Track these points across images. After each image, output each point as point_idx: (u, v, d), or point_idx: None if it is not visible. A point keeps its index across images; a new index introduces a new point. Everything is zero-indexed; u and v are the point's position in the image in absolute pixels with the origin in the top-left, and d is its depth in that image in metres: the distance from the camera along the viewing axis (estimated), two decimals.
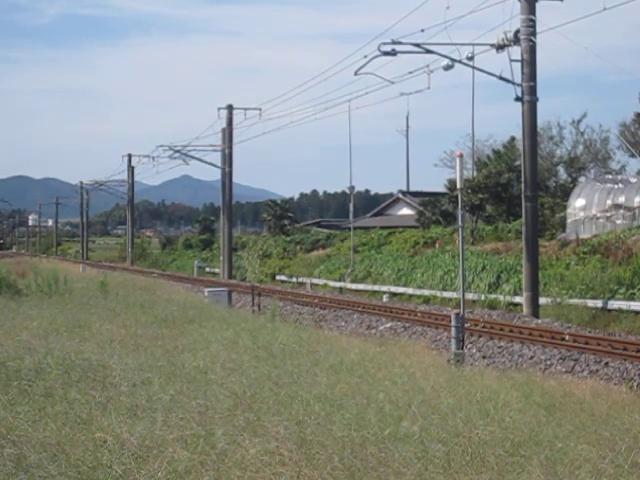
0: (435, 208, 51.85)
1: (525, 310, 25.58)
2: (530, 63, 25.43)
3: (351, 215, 46.95)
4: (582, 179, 52.01)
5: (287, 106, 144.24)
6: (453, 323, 17.57)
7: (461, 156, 18.47)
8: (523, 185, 26.27)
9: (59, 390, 9.11)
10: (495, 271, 32.23)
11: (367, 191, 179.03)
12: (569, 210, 38.16)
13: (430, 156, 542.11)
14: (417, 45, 26.52)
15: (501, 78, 25.91)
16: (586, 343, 19.22)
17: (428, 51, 26.76)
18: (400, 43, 26.27)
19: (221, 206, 53.85)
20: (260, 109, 48.24)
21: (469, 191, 43.22)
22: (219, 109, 51.49)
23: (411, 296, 35.59)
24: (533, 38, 25.22)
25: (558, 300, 26.84)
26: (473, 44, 26.56)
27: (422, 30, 26.47)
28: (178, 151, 57.29)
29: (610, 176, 42.23)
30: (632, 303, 25.21)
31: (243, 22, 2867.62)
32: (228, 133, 52.06)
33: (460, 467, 6.88)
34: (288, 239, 59.33)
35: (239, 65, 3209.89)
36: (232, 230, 57.42)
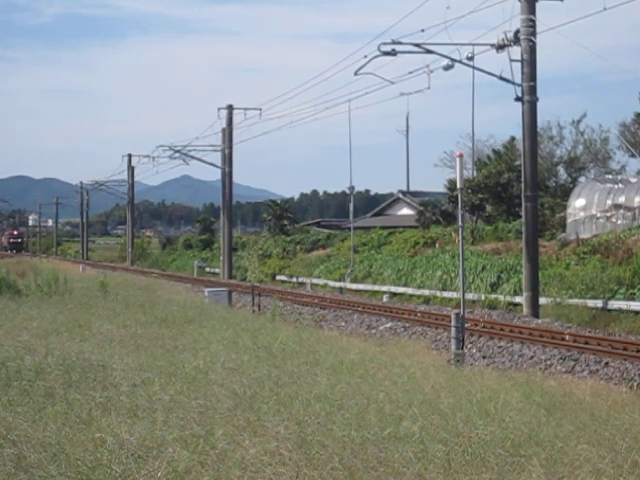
0: (435, 208, 51.86)
1: (525, 310, 25.58)
2: (530, 63, 25.44)
3: (351, 215, 46.92)
4: (582, 179, 51.96)
5: (287, 106, 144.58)
6: (453, 323, 17.58)
7: (461, 156, 18.48)
8: (523, 185, 26.28)
9: (59, 390, 9.11)
10: (495, 271, 32.21)
11: (367, 191, 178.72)
12: (569, 210, 38.12)
13: (430, 156, 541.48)
14: (417, 45, 26.55)
15: (501, 78, 25.92)
16: (586, 343, 19.23)
17: (428, 51, 26.79)
18: (400, 43, 26.30)
19: (221, 206, 53.86)
20: (260, 109, 48.38)
21: (469, 191, 43.20)
22: (219, 109, 51.60)
23: (411, 296, 35.58)
24: (533, 38, 25.23)
25: (558, 300, 26.82)
26: (473, 44, 26.60)
27: (422, 30, 26.55)
28: (178, 151, 57.39)
29: (610, 176, 42.15)
30: (632, 303, 25.19)
31: (243, 22, 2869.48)
32: (228, 133, 52.07)
33: (460, 467, 6.87)
34: (288, 239, 59.29)
35: (239, 65, 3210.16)
36: (232, 230, 57.44)
